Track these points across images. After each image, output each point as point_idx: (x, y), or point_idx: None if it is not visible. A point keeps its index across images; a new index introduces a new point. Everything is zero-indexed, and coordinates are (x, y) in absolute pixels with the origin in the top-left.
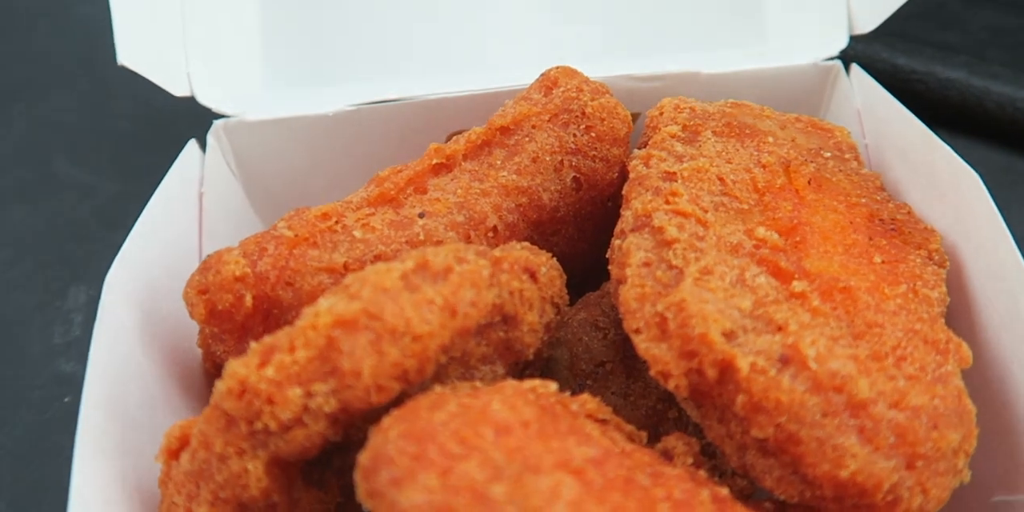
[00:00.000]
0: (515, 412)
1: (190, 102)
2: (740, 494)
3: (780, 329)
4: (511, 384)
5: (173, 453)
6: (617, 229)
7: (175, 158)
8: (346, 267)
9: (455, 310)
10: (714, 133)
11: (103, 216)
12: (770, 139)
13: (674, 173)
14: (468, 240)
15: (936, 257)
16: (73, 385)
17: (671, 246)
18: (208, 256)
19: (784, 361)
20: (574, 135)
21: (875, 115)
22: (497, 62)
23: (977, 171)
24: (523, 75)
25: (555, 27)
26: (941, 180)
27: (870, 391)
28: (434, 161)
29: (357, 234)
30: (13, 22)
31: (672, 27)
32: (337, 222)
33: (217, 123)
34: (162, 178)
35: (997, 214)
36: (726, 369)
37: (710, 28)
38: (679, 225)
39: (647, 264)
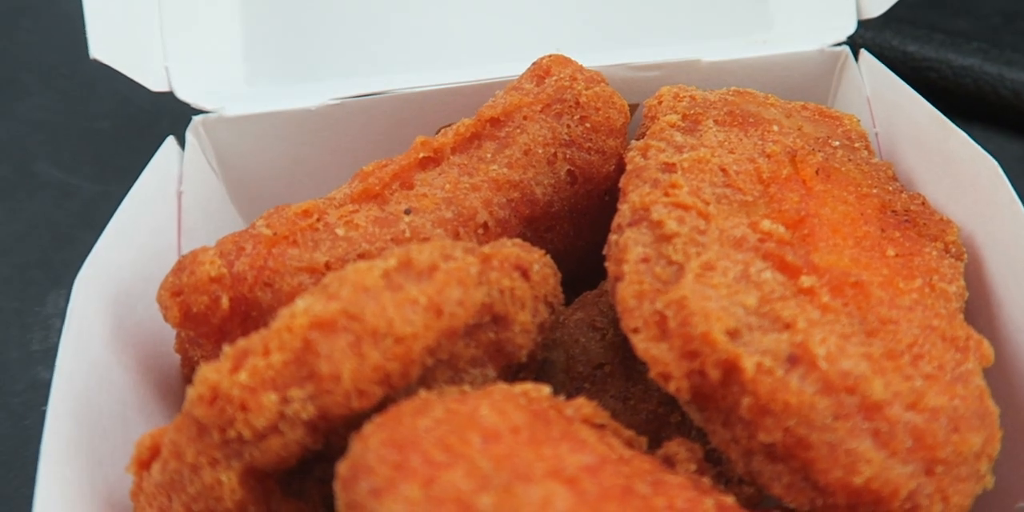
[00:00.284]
0: (504, 417)
1: (173, 100)
2: (747, 502)
3: (788, 327)
4: (501, 388)
5: (144, 464)
6: (614, 224)
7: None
8: (328, 267)
9: (441, 310)
10: (716, 122)
11: (84, 218)
12: (775, 128)
13: (673, 164)
14: (457, 237)
15: (953, 249)
16: None
17: (671, 241)
18: (182, 257)
19: (792, 361)
20: (568, 126)
21: (886, 102)
22: (487, 53)
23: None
24: (514, 67)
25: (548, 16)
26: (957, 168)
27: (885, 392)
28: (421, 155)
29: (340, 232)
30: None
31: (671, 15)
32: (319, 220)
33: (196, 119)
34: None
35: (1018, 203)
36: (730, 370)
37: (711, 15)
38: (679, 218)
39: (645, 260)
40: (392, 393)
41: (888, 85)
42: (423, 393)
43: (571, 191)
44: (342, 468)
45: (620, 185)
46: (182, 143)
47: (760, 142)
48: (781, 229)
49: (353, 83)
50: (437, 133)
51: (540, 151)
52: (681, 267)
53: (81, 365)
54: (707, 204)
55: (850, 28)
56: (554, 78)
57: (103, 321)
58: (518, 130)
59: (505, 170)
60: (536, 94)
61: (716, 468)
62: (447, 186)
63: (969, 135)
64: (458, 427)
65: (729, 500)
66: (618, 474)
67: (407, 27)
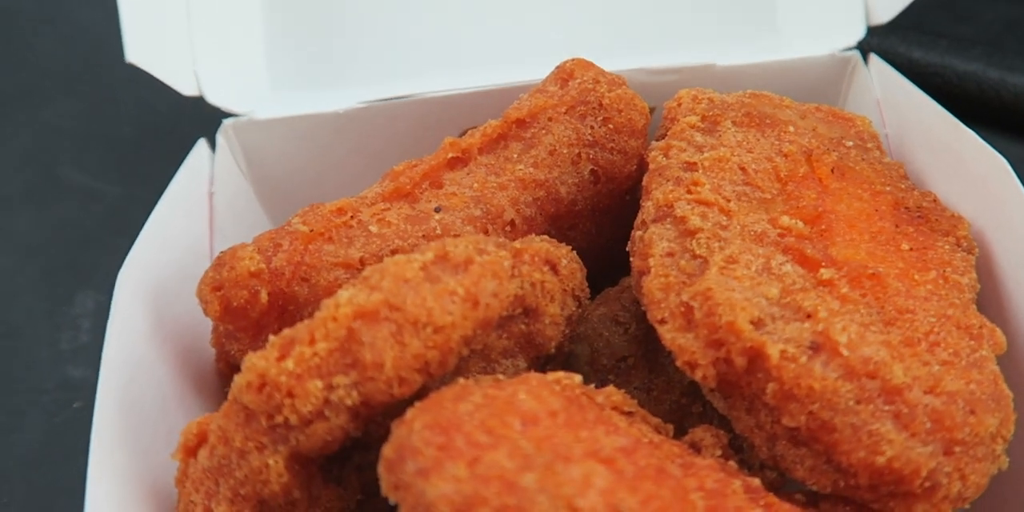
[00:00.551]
0: (542, 402)
1: (193, 107)
2: (770, 486)
3: (809, 316)
4: (536, 376)
5: (190, 450)
6: (638, 220)
7: (179, 162)
8: (362, 262)
9: (477, 301)
10: (734, 123)
11: (109, 221)
12: (791, 128)
13: (695, 163)
14: (486, 234)
15: (964, 244)
16: (82, 390)
17: (694, 235)
18: (222, 252)
19: (815, 348)
20: (591, 127)
21: (895, 104)
22: (510, 58)
23: None
24: (537, 71)
25: (568, 22)
26: (967, 166)
27: (904, 376)
28: (449, 155)
29: (373, 229)
30: (16, 29)
31: (683, 22)
32: (352, 217)
33: (226, 122)
34: (167, 181)
35: None
36: (755, 357)
37: (722, 22)
38: (702, 214)
39: (670, 254)
40: (430, 382)
41: (898, 87)
42: (461, 380)
43: (594, 190)
44: (387, 450)
45: (643, 184)
46: (212, 145)
47: (777, 142)
48: (800, 224)
49: (375, 89)
50: (463, 135)
51: (564, 151)
52: (705, 261)
53: (125, 359)
54: (728, 201)
55: (860, 33)
56: (577, 81)
57: (143, 317)
58: (543, 131)
59: (531, 169)
60: (560, 96)
61: (739, 455)
62: (475, 185)
63: None
64: (498, 411)
65: (755, 482)
66: (651, 456)
67: (429, 34)
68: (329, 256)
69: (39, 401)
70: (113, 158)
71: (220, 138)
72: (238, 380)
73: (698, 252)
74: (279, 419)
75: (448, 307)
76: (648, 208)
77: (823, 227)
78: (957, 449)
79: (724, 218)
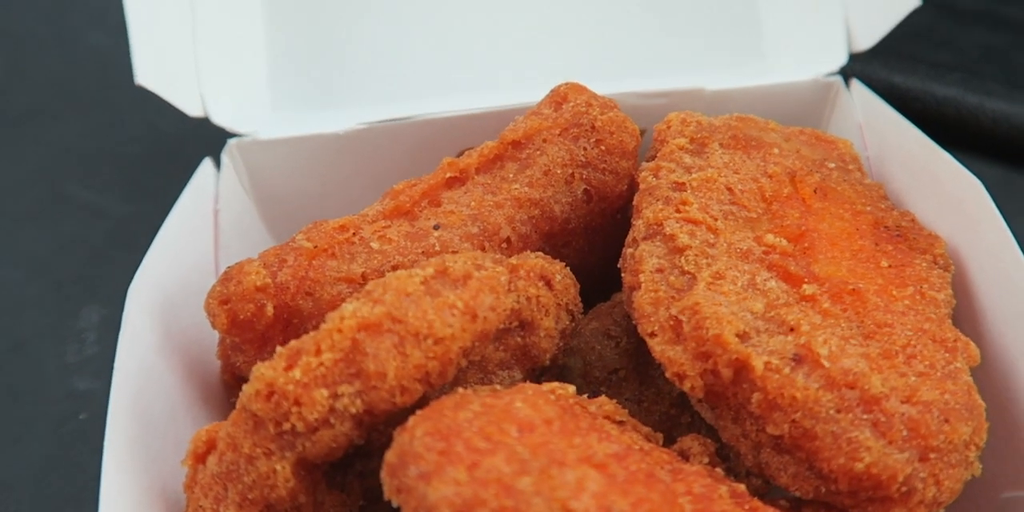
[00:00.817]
0: (537, 410)
1: (197, 128)
2: (755, 493)
3: (792, 330)
4: (531, 386)
5: (200, 457)
6: (629, 238)
7: (183, 181)
8: (364, 277)
9: (475, 314)
10: (721, 145)
11: (115, 237)
12: (775, 151)
13: (683, 183)
14: (483, 251)
15: (941, 262)
16: (88, 402)
17: (683, 253)
18: (229, 267)
19: (798, 360)
20: (584, 148)
21: (876, 128)
22: (505, 83)
23: None
24: (531, 94)
25: (561, 48)
26: (943, 187)
27: (882, 387)
28: (448, 175)
29: (374, 245)
30: (25, 51)
31: (672, 48)
32: (355, 234)
33: (231, 142)
34: (172, 200)
35: (1000, 218)
36: (741, 369)
37: (710, 49)
38: (690, 232)
39: (660, 270)
40: (430, 391)
41: (878, 112)
42: (460, 390)
43: (587, 209)
44: (390, 456)
45: (634, 203)
46: (217, 164)
47: (762, 163)
48: (784, 242)
49: (375, 111)
50: (460, 155)
51: (559, 171)
52: (693, 277)
53: (135, 369)
54: (715, 220)
55: (841, 59)
56: (571, 104)
57: (153, 329)
58: (538, 152)
59: (526, 189)
60: (555, 119)
61: (725, 464)
62: (472, 203)
63: None
64: (496, 419)
65: (741, 487)
66: (642, 461)
67: (428, 58)
68: (332, 271)
69: (46, 412)
70: (119, 177)
71: (225, 157)
72: (247, 389)
73: (686, 268)
74: (286, 426)
75: (448, 320)
76: (639, 226)
77: (806, 245)
78: (932, 456)
79: (711, 236)
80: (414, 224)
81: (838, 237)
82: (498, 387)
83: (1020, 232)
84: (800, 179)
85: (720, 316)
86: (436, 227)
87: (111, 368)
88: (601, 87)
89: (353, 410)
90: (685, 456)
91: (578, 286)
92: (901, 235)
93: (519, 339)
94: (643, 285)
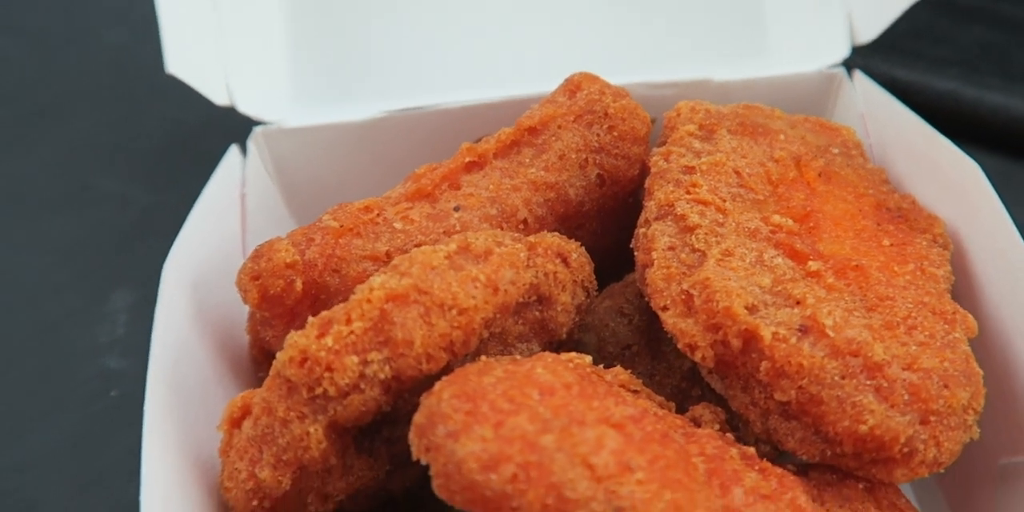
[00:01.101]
0: (557, 376)
1: (214, 120)
2: (763, 459)
3: (798, 303)
4: (550, 355)
5: (235, 422)
6: (641, 219)
7: (204, 171)
8: (388, 255)
9: (497, 287)
10: (729, 131)
11: (140, 225)
12: (781, 137)
13: (693, 167)
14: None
15: (940, 241)
16: (119, 380)
17: (693, 231)
18: (259, 245)
19: (804, 330)
20: (597, 134)
21: (878, 117)
22: (520, 74)
23: None
24: (544, 85)
25: (573, 41)
26: (942, 171)
27: (885, 354)
28: (467, 159)
29: (397, 225)
30: (47, 49)
31: (681, 41)
32: (378, 215)
33: (257, 129)
34: (193, 189)
35: (997, 200)
36: (750, 339)
37: (717, 42)
38: (700, 212)
39: (671, 248)
40: (454, 360)
41: (880, 102)
42: (483, 358)
43: (600, 192)
44: (418, 417)
45: (645, 186)
46: (243, 152)
47: (768, 149)
48: (790, 222)
49: (394, 101)
50: (478, 142)
51: (573, 156)
52: (703, 254)
53: (172, 341)
54: (724, 201)
55: (844, 52)
56: (585, 92)
57: (187, 304)
58: (553, 138)
59: (542, 173)
60: (569, 106)
61: (734, 434)
62: (491, 187)
63: None
64: (518, 383)
65: (750, 450)
66: (657, 423)
67: (445, 50)
68: (358, 249)
69: (78, 390)
70: (142, 168)
71: (251, 144)
72: (281, 356)
73: (697, 246)
74: (319, 391)
75: (471, 292)
76: (651, 207)
77: (811, 225)
78: (932, 419)
79: (720, 216)
80: (435, 206)
81: (842, 218)
82: (518, 357)
83: (1018, 221)
84: (805, 163)
85: (730, 290)
86: (456, 209)
87: (141, 348)
88: (611, 79)
89: (382, 376)
90: (697, 423)
91: (592, 265)
92: (902, 216)
93: (537, 313)
94: (655, 262)
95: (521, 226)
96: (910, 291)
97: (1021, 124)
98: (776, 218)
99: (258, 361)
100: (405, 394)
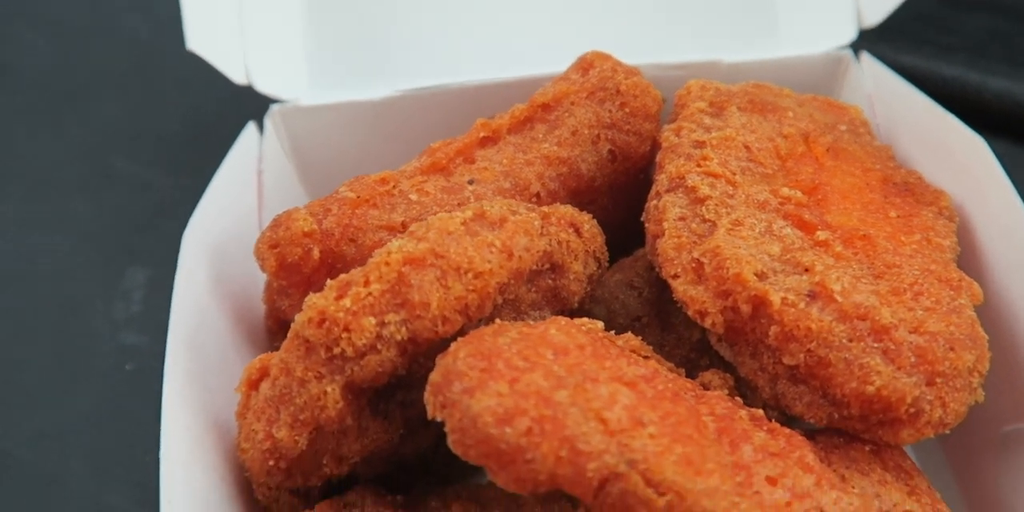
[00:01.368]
0: (570, 337)
1: (233, 107)
2: None
3: (807, 270)
4: (563, 318)
5: (253, 383)
6: (652, 192)
7: (221, 155)
8: (404, 226)
9: (511, 253)
10: (738, 108)
11: (159, 207)
12: (790, 114)
13: (703, 141)
14: None
15: (946, 213)
16: (135, 355)
17: (704, 203)
18: (278, 215)
19: (812, 295)
20: (610, 111)
21: (885, 98)
22: (533, 54)
23: None
24: (556, 65)
25: (585, 24)
26: (948, 147)
27: (892, 318)
28: (481, 134)
29: (413, 197)
30: (66, 36)
31: (691, 24)
32: (394, 186)
33: (273, 107)
34: (211, 172)
35: (1003, 174)
36: (759, 304)
37: (726, 25)
38: (711, 184)
39: (682, 219)
40: (468, 324)
41: (888, 82)
42: (498, 321)
43: (611, 168)
44: (434, 376)
45: (656, 160)
46: (260, 130)
47: (778, 125)
48: (798, 194)
49: (410, 80)
50: (492, 119)
51: (585, 132)
52: (714, 224)
53: (191, 306)
54: (734, 174)
55: (851, 35)
56: (597, 70)
57: (206, 273)
58: (566, 114)
59: (555, 148)
60: (582, 83)
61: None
62: (504, 161)
63: None
64: (532, 343)
65: (759, 412)
66: (668, 383)
67: (460, 31)
68: (374, 220)
69: (95, 364)
70: (161, 152)
71: (267, 122)
72: (299, 317)
73: (707, 216)
74: (336, 351)
75: (487, 256)
76: (662, 180)
77: (819, 197)
78: (938, 380)
79: (730, 188)
80: (450, 179)
81: (849, 191)
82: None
83: None
84: (813, 139)
85: (740, 257)
86: (470, 182)
87: (156, 325)
88: (623, 59)
89: (399, 337)
90: (706, 388)
91: (603, 236)
92: (908, 190)
93: (550, 281)
94: (667, 232)
95: (534, 199)
96: (916, 259)
97: None
98: (785, 190)
99: (273, 332)
100: (420, 358)
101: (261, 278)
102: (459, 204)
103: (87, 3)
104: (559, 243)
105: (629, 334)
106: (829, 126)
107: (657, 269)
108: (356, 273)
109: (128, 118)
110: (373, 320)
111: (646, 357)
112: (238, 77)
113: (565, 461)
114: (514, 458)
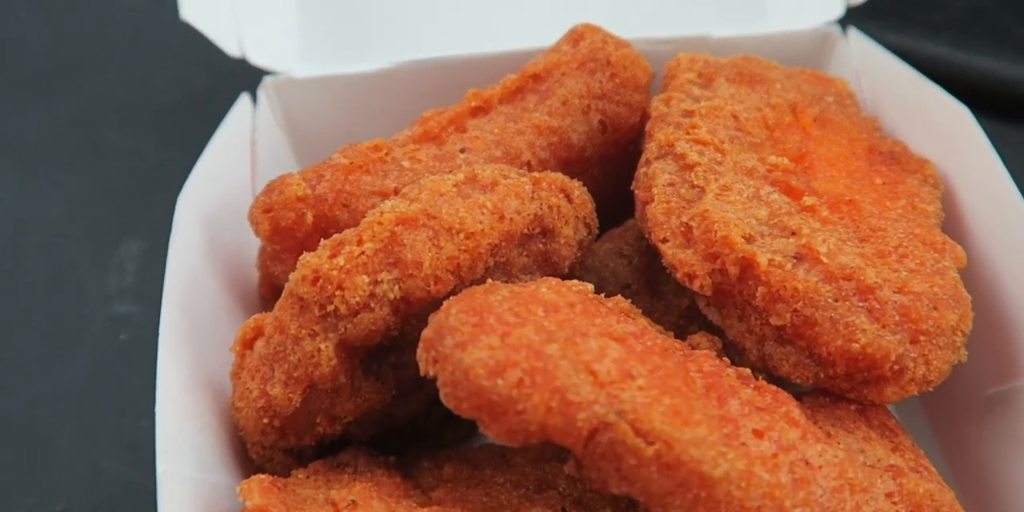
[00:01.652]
0: (561, 296)
1: (224, 80)
2: None
3: (794, 234)
4: (554, 279)
5: (247, 343)
6: (641, 160)
7: (213, 129)
8: (396, 191)
9: (503, 215)
10: (727, 80)
11: (150, 179)
12: (778, 85)
13: (692, 111)
14: None
15: (931, 181)
16: (128, 324)
17: (692, 169)
18: (271, 180)
19: (799, 257)
20: (600, 81)
21: (872, 72)
22: (524, 28)
23: None
24: (547, 39)
25: (571, 3)
26: (932, 117)
27: (876, 278)
28: (473, 104)
29: (405, 164)
30: (58, 11)
31: (674, 1)
32: (387, 154)
33: (267, 79)
34: (202, 145)
35: (986, 141)
36: (747, 266)
37: (711, 1)
38: (699, 151)
39: (671, 184)
40: (460, 284)
41: (874, 57)
42: (490, 281)
43: (601, 139)
44: (426, 332)
45: (646, 130)
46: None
47: (766, 96)
48: (786, 161)
49: (401, 54)
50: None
51: (576, 102)
52: (702, 189)
53: (186, 269)
54: (722, 142)
55: (838, 11)
56: (588, 41)
57: (200, 237)
58: (557, 84)
59: (546, 117)
60: (572, 54)
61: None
62: (496, 130)
63: None
64: (524, 301)
65: (746, 371)
66: (656, 339)
67: (450, 6)
68: (367, 185)
69: (89, 333)
70: (152, 125)
71: (261, 94)
72: (294, 276)
73: (696, 182)
74: (330, 309)
75: (478, 217)
76: (651, 148)
77: (806, 165)
78: (922, 338)
79: (719, 155)
80: (441, 148)
81: (835, 159)
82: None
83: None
84: (800, 110)
85: (728, 220)
86: (462, 150)
87: (149, 295)
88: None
89: (391, 296)
90: (694, 349)
91: (594, 203)
92: (894, 158)
93: (541, 245)
94: (656, 197)
95: (524, 168)
96: (901, 223)
97: (1010, 88)
98: (772, 158)
99: (267, 298)
100: (412, 320)
101: (254, 247)
102: (450, 171)
103: None
104: (550, 208)
105: (619, 297)
106: (816, 97)
107: (647, 235)
108: (349, 233)
109: (120, 91)
110: (366, 278)
111: (635, 319)
112: (232, 49)
113: (556, 412)
114: (505, 409)
